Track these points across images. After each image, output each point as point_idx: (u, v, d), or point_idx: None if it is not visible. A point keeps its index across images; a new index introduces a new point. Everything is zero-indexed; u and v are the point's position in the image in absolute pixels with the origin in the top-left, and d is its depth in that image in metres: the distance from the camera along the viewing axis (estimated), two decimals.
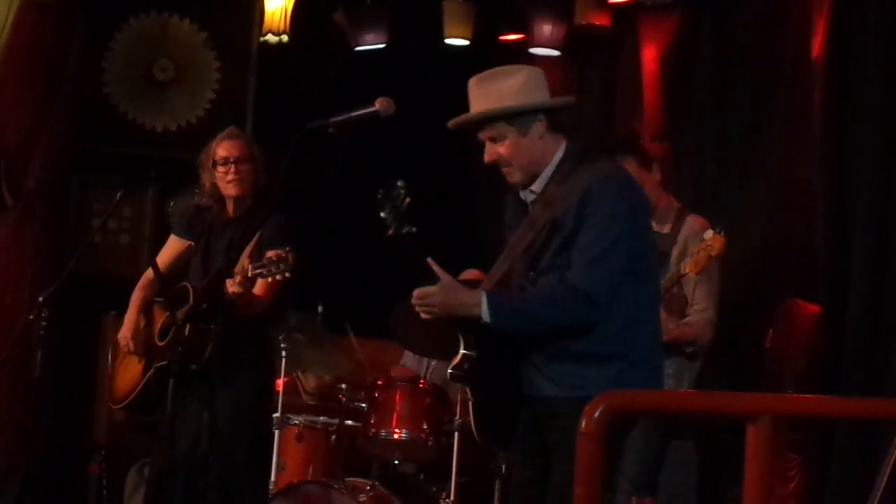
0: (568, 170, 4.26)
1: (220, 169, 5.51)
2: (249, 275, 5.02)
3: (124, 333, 5.55)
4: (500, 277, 4.33)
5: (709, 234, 5.28)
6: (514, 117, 4.24)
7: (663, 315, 5.28)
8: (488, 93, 4.27)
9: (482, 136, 4.30)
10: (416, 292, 4.19)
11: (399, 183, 4.14)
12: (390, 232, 4.13)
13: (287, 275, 4.95)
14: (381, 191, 4.16)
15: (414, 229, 4.14)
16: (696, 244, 5.37)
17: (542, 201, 4.27)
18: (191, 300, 5.31)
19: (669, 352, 5.56)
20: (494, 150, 4.28)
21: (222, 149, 5.53)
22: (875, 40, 5.71)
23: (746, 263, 6.12)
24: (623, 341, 4.19)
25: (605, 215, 4.15)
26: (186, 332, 5.21)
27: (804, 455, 5.76)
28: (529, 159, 4.26)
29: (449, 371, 4.28)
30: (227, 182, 5.50)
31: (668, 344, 5.51)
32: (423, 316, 4.21)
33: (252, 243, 5.11)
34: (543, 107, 4.28)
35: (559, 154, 4.28)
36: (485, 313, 4.13)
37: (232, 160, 5.49)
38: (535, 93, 4.29)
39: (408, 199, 4.13)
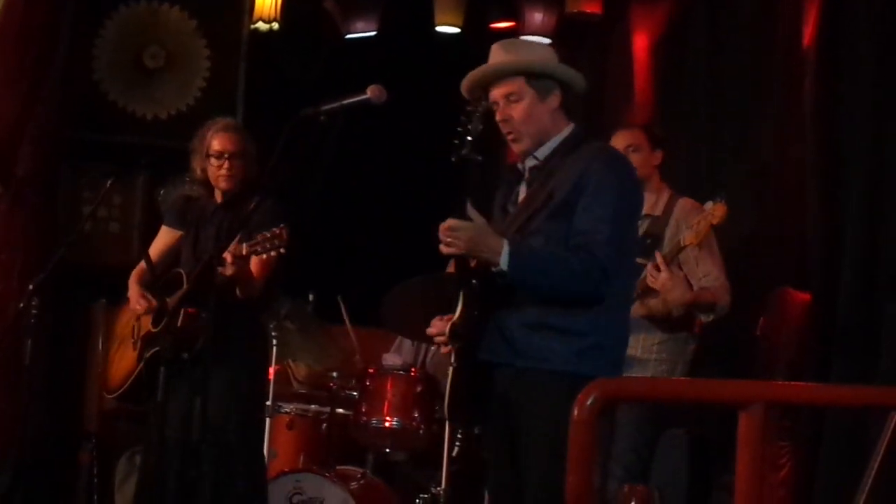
0: (572, 146, 4.27)
1: (214, 161, 5.51)
2: (245, 253, 5.02)
3: (134, 299, 5.50)
4: None
5: (709, 204, 5.30)
6: (536, 78, 4.24)
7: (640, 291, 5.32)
8: (514, 51, 4.30)
9: (497, 93, 4.26)
10: (448, 221, 4.11)
11: (485, 103, 4.07)
12: (463, 151, 4.07)
13: (282, 251, 4.95)
14: (468, 107, 4.07)
15: (480, 158, 4.08)
16: (693, 218, 5.38)
17: (543, 172, 4.26)
18: (184, 286, 5.31)
19: (673, 329, 5.54)
20: (507, 112, 4.25)
21: (217, 142, 5.52)
22: (866, 29, 5.70)
23: (737, 251, 6.11)
24: (597, 320, 4.15)
25: (614, 193, 4.15)
26: (179, 323, 5.20)
27: (794, 442, 5.77)
28: (540, 128, 4.26)
29: (449, 326, 4.20)
30: (218, 174, 5.52)
31: (679, 318, 5.48)
32: (444, 249, 4.13)
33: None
34: (565, 76, 4.31)
35: (567, 131, 4.30)
36: (503, 261, 4.07)
37: (226, 155, 5.50)
38: (557, 64, 4.34)
39: (482, 126, 4.05)
